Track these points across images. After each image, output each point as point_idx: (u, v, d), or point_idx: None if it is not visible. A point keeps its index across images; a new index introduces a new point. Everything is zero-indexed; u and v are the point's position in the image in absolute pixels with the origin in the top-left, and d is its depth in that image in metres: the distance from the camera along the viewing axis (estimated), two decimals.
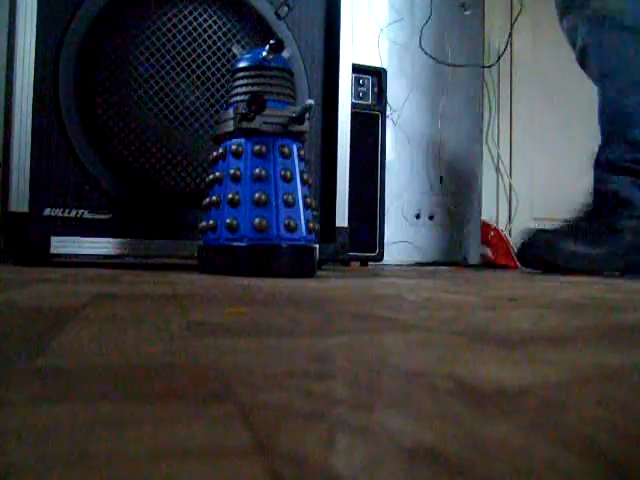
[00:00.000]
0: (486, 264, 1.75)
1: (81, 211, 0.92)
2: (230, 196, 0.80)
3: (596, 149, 1.33)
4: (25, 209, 0.89)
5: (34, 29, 0.90)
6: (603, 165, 1.28)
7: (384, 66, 1.45)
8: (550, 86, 2.23)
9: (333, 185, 1.06)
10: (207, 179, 0.86)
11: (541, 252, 1.25)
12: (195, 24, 1.00)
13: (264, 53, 0.83)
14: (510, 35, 2.14)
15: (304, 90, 1.05)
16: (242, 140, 0.82)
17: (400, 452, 0.13)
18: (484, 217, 1.80)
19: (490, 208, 2.10)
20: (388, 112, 1.47)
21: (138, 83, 0.97)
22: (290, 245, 0.80)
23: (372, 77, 1.39)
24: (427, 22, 1.62)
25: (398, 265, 1.54)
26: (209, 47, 1.00)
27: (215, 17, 1.01)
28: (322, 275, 0.89)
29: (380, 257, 1.38)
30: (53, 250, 0.90)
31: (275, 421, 0.15)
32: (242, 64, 0.84)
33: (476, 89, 1.70)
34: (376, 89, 1.39)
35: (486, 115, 2.05)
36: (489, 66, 1.72)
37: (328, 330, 0.31)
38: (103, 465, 0.11)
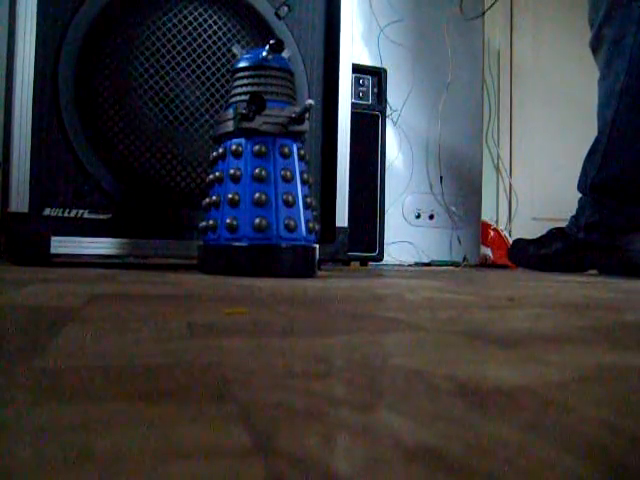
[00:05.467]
0: (486, 264, 1.75)
1: (81, 211, 0.92)
2: (230, 196, 0.80)
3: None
4: (25, 209, 0.89)
5: (34, 29, 0.90)
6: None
7: (384, 66, 1.45)
8: (550, 86, 2.23)
9: (333, 185, 1.06)
10: (207, 179, 0.86)
11: (514, 256, 1.50)
12: (195, 24, 1.00)
13: (264, 53, 0.82)
14: (510, 35, 2.15)
15: (304, 90, 1.05)
16: (242, 140, 0.82)
17: (400, 452, 0.13)
18: (484, 217, 1.80)
19: (490, 208, 2.10)
20: (388, 112, 1.47)
21: (138, 83, 0.97)
22: (290, 245, 0.80)
23: (372, 77, 1.39)
24: (427, 22, 1.62)
25: (398, 265, 1.54)
26: (209, 47, 1.00)
27: (215, 17, 1.01)
28: (322, 275, 0.89)
29: (380, 257, 1.38)
30: (53, 250, 0.89)
31: (275, 421, 0.15)
32: (242, 64, 0.84)
33: (476, 89, 1.70)
34: (376, 89, 1.39)
35: (486, 115, 2.05)
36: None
37: (328, 330, 0.31)
38: (103, 465, 0.11)
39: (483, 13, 1.65)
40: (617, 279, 1.08)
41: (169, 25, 0.98)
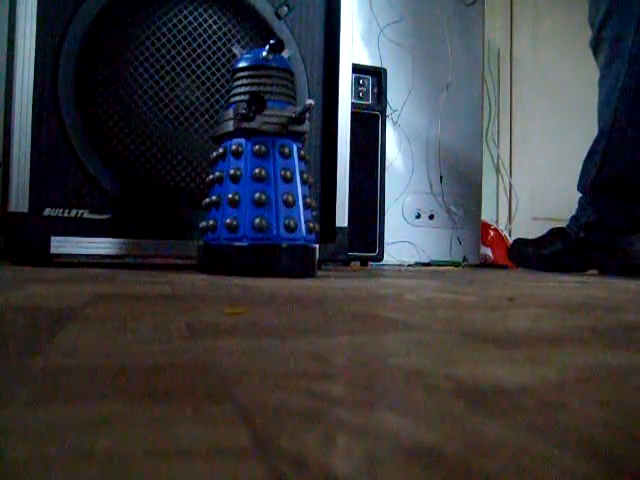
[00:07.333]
0: (486, 264, 1.75)
1: (81, 211, 0.92)
2: (230, 196, 0.80)
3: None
4: (25, 209, 0.89)
5: (34, 29, 0.90)
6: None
7: (384, 66, 1.45)
8: (550, 86, 2.23)
9: (333, 185, 1.06)
10: (207, 179, 0.86)
11: (514, 256, 1.50)
12: (195, 24, 1.00)
13: (264, 53, 0.82)
14: (510, 35, 2.15)
15: (304, 90, 1.05)
16: (242, 140, 0.82)
17: (400, 452, 0.13)
18: (484, 217, 1.80)
19: (490, 208, 2.10)
20: (388, 112, 1.47)
21: (138, 83, 0.97)
22: (290, 245, 0.80)
23: (372, 77, 1.39)
24: (427, 22, 1.62)
25: (398, 265, 1.54)
26: (209, 47, 1.00)
27: (215, 17, 1.01)
28: (322, 275, 0.89)
29: (380, 257, 1.38)
30: (53, 250, 0.90)
31: (275, 421, 0.15)
32: (242, 64, 0.84)
33: (476, 89, 1.70)
34: (376, 89, 1.39)
35: (486, 115, 2.05)
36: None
37: (328, 330, 0.31)
38: (103, 465, 0.11)
39: None
40: (617, 279, 1.08)
41: (169, 25, 0.98)
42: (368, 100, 1.38)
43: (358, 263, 1.42)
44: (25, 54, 0.89)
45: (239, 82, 0.84)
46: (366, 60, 1.54)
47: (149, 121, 0.97)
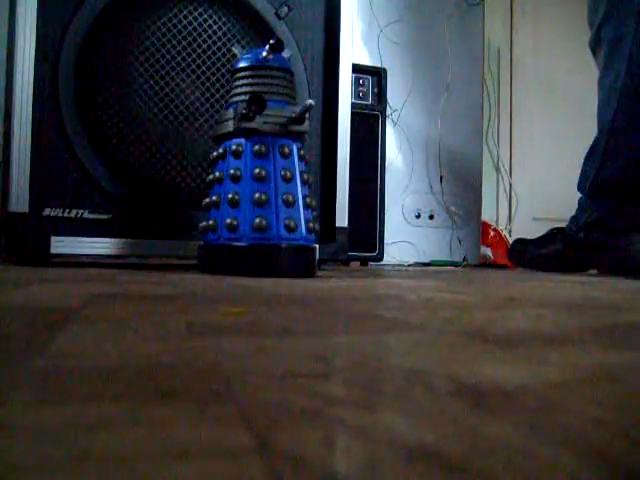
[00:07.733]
0: (486, 264, 1.75)
1: (81, 211, 0.92)
2: (230, 196, 0.80)
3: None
4: (25, 209, 0.89)
5: (34, 29, 0.89)
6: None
7: (384, 66, 1.45)
8: (550, 86, 2.23)
9: (333, 185, 1.06)
10: (207, 179, 0.86)
11: (514, 256, 1.49)
12: (195, 24, 1.00)
13: (264, 53, 0.82)
14: (510, 35, 2.15)
15: (304, 90, 1.05)
16: (242, 140, 0.82)
17: (400, 452, 0.13)
18: (484, 217, 1.80)
19: (490, 208, 2.10)
20: (388, 112, 1.47)
21: (138, 83, 0.97)
22: (290, 245, 0.80)
23: (372, 77, 1.39)
24: (427, 22, 1.62)
25: (398, 265, 1.54)
26: (209, 47, 1.00)
27: (215, 17, 1.01)
28: (322, 275, 0.89)
29: (380, 257, 1.38)
30: (53, 250, 0.89)
31: (275, 421, 0.15)
32: (242, 64, 0.84)
33: (476, 89, 1.70)
34: (376, 89, 1.39)
35: (486, 115, 2.05)
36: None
37: (328, 330, 0.31)
38: (103, 465, 0.11)
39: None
40: (617, 279, 1.08)
41: (169, 25, 0.98)
42: (368, 100, 1.38)
43: (358, 263, 1.42)
44: (25, 54, 0.89)
45: (239, 82, 0.84)
46: (366, 60, 1.54)
47: (149, 121, 0.97)
